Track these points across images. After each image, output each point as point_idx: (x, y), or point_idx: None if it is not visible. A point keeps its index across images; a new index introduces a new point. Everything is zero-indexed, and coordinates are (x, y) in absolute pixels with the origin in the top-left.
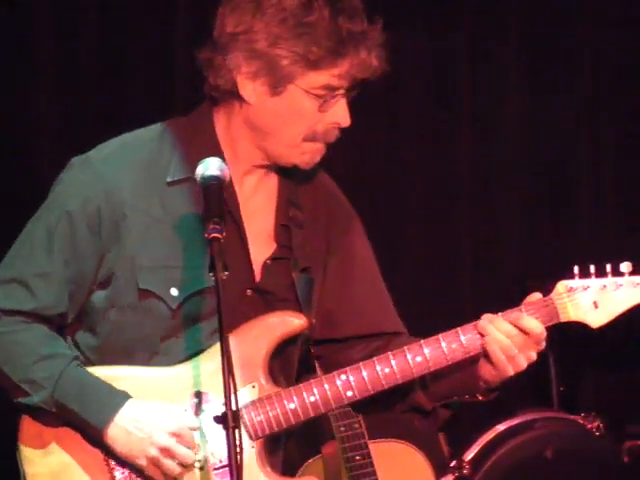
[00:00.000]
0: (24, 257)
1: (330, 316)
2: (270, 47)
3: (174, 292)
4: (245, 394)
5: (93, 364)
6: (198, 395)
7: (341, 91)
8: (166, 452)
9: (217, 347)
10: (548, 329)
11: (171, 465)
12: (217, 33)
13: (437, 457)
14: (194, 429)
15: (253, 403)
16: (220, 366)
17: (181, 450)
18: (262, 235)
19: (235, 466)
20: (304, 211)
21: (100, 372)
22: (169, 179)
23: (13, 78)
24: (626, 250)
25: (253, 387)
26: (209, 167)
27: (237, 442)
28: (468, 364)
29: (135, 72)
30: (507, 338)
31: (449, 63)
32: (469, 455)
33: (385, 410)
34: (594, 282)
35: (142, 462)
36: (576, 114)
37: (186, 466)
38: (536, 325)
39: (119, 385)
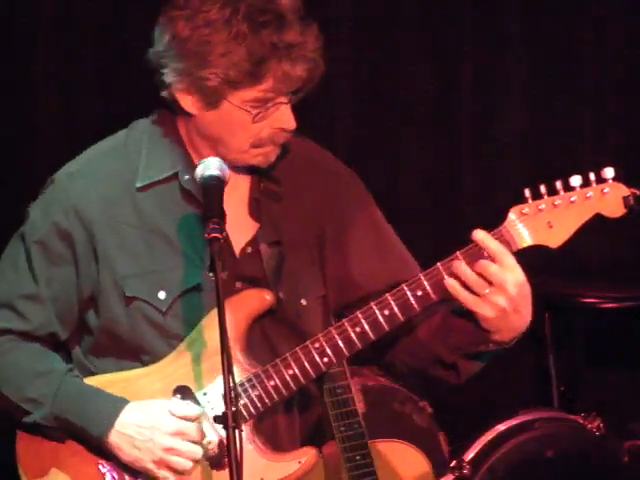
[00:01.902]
0: (9, 281)
1: (343, 283)
2: (195, 68)
3: (162, 295)
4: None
5: (93, 373)
6: (178, 391)
7: (280, 100)
8: (171, 452)
9: (189, 338)
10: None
11: (181, 462)
12: (152, 49)
13: (437, 457)
14: (196, 419)
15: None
16: (194, 357)
17: (187, 447)
18: (241, 223)
19: (235, 465)
20: (283, 184)
21: (90, 381)
22: (138, 184)
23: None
24: (623, 246)
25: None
26: (209, 167)
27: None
28: (467, 314)
29: (134, 73)
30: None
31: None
32: (469, 455)
33: (412, 369)
34: (547, 202)
35: (150, 466)
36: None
37: (196, 460)
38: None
39: (112, 392)
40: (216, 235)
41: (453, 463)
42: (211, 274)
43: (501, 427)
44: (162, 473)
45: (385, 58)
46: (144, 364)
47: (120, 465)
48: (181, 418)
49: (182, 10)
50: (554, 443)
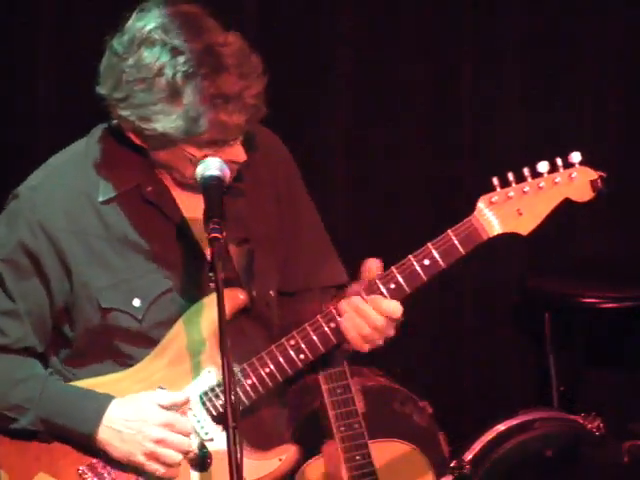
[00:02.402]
0: None
1: (284, 270)
2: (135, 119)
3: (137, 303)
4: (202, 381)
5: (72, 381)
6: None
7: (227, 143)
8: (162, 443)
9: (166, 340)
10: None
11: (170, 454)
12: (97, 85)
13: (437, 457)
14: (184, 404)
15: (212, 389)
16: (172, 358)
17: (176, 438)
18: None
19: (235, 465)
20: (244, 180)
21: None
22: (101, 199)
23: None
24: (625, 245)
25: (209, 372)
26: (209, 167)
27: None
28: None
29: None
30: (371, 328)
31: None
32: (469, 455)
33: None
34: (515, 189)
35: (140, 459)
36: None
37: (186, 452)
38: (395, 309)
39: None
40: (216, 235)
41: (453, 463)
42: (211, 274)
43: (501, 427)
44: (152, 466)
45: (384, 56)
46: (110, 369)
47: (108, 464)
48: (169, 406)
49: (123, 58)
50: (554, 443)
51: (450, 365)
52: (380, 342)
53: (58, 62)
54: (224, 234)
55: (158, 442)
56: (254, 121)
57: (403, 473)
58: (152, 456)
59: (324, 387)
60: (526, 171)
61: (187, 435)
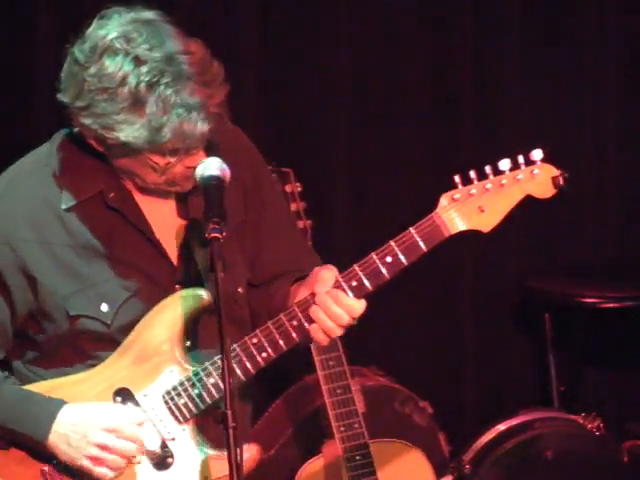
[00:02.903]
0: None
1: (254, 263)
2: (98, 128)
3: (104, 308)
4: (164, 380)
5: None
6: (118, 393)
7: (190, 152)
8: (106, 449)
9: (129, 340)
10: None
11: (115, 460)
12: (58, 94)
13: (437, 457)
14: (136, 423)
15: (174, 388)
16: (135, 358)
17: (120, 444)
18: (171, 226)
19: (235, 465)
20: None
21: (33, 388)
22: (64, 206)
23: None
24: (625, 245)
25: (171, 372)
26: (209, 167)
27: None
28: None
29: None
30: (334, 323)
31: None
32: (469, 455)
33: None
34: (477, 186)
35: (85, 463)
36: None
37: (130, 458)
38: (360, 307)
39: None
40: (216, 235)
41: (453, 463)
42: (211, 274)
43: (501, 427)
44: (97, 470)
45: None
46: (77, 371)
47: (62, 468)
48: (117, 417)
49: (85, 66)
50: (554, 443)
51: (450, 365)
52: (338, 333)
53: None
54: (224, 234)
55: (102, 447)
56: (217, 129)
57: (403, 473)
58: (96, 461)
59: (324, 387)
60: (488, 169)
61: (134, 441)
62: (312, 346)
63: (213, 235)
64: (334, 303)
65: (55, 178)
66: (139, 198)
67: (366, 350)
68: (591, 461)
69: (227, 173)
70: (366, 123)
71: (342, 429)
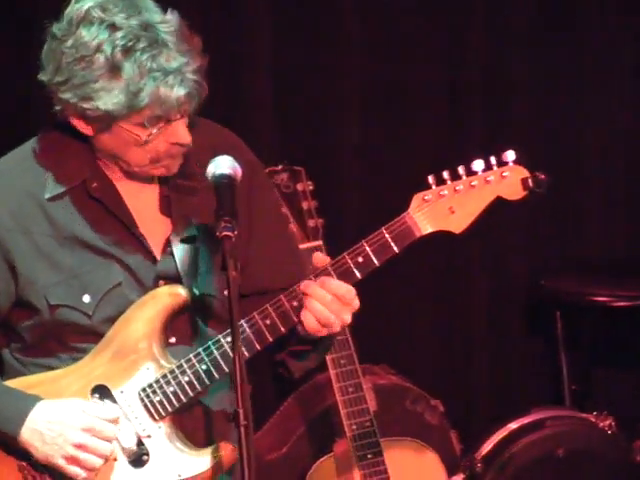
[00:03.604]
0: None
1: (242, 271)
2: (78, 100)
3: (86, 299)
4: (141, 377)
5: (23, 374)
6: (95, 390)
7: (171, 117)
8: (82, 448)
9: (108, 336)
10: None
11: (90, 459)
12: (39, 75)
13: (449, 455)
14: (111, 420)
15: (150, 385)
16: (113, 354)
17: (96, 443)
18: (155, 222)
19: (247, 463)
20: (195, 178)
21: (10, 384)
22: (47, 196)
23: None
24: (637, 243)
25: (148, 369)
26: (220, 166)
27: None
28: None
29: None
30: (322, 305)
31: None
32: (481, 453)
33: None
34: (448, 187)
35: (61, 462)
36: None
37: (106, 457)
38: (347, 290)
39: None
40: (228, 234)
41: (465, 461)
42: (223, 272)
43: (513, 425)
44: (72, 469)
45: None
46: (62, 364)
47: (40, 465)
48: (95, 417)
49: (62, 40)
50: (566, 441)
51: (462, 363)
52: (336, 327)
53: None
54: (235, 232)
55: (78, 447)
56: (196, 98)
57: (415, 471)
58: (72, 460)
59: (335, 385)
60: (461, 169)
61: (109, 440)
62: None
63: (225, 234)
64: (319, 286)
65: (39, 169)
66: (122, 190)
67: (377, 349)
68: (603, 460)
69: (238, 172)
70: (377, 121)
71: (353, 427)
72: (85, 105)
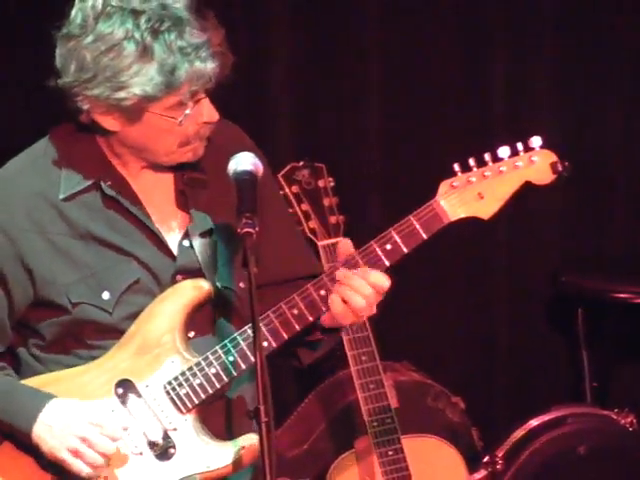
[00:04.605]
0: None
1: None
2: (110, 92)
3: (106, 296)
4: (166, 371)
5: (41, 372)
6: (120, 384)
7: (198, 96)
8: (85, 442)
9: (131, 330)
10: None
11: (92, 455)
12: (60, 80)
13: (470, 452)
14: (122, 427)
15: (175, 378)
16: (137, 349)
17: (100, 440)
18: (171, 217)
19: (268, 459)
20: (207, 172)
21: (32, 381)
22: (61, 196)
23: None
24: None
25: (172, 362)
26: (241, 162)
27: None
28: None
29: None
30: (360, 296)
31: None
32: (502, 450)
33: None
34: (476, 174)
35: (64, 455)
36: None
37: (108, 457)
38: (382, 279)
39: (55, 390)
40: (249, 230)
41: (486, 458)
42: (244, 268)
43: (534, 422)
44: (76, 464)
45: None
46: (80, 361)
47: (48, 465)
48: (104, 414)
49: (81, 37)
50: (587, 438)
51: (483, 361)
52: (365, 317)
53: None
54: (256, 229)
55: (83, 440)
56: (225, 67)
57: (436, 468)
58: (75, 453)
59: (357, 382)
60: (487, 156)
61: (114, 440)
62: (345, 340)
63: (246, 230)
64: (356, 276)
65: (52, 169)
66: (137, 187)
67: (399, 346)
68: (624, 457)
69: (260, 168)
70: (398, 118)
71: (375, 424)
72: (119, 95)
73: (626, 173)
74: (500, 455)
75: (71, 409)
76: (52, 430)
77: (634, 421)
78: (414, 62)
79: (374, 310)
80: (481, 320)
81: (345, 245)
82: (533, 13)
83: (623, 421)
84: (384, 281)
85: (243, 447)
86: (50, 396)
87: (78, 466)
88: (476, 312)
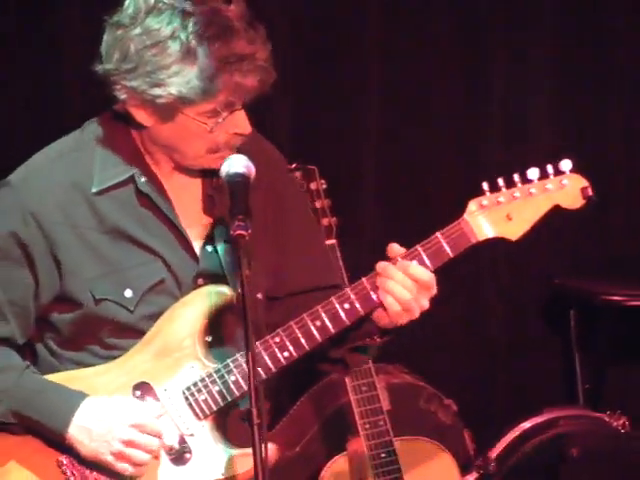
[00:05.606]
0: None
1: (275, 276)
2: (147, 87)
3: (128, 293)
4: (185, 376)
5: (58, 370)
6: (138, 387)
7: (234, 107)
8: (130, 444)
9: (151, 332)
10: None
11: (139, 455)
12: (101, 65)
13: (462, 454)
14: (157, 417)
15: (195, 384)
16: (157, 352)
17: (144, 439)
18: (197, 221)
19: (260, 462)
20: None
21: (51, 378)
22: (94, 190)
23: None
24: None
25: (192, 367)
26: (234, 165)
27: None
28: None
29: None
30: (403, 288)
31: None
32: (494, 452)
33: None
34: (505, 194)
35: (109, 458)
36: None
37: (154, 453)
38: (423, 272)
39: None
40: (241, 232)
41: (478, 461)
42: (237, 271)
43: (526, 425)
44: (121, 465)
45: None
46: (99, 359)
47: (80, 459)
48: (141, 413)
49: (129, 28)
50: (579, 441)
51: (476, 363)
52: (416, 312)
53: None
54: (249, 231)
55: (127, 443)
56: (266, 85)
57: (428, 470)
58: (120, 456)
59: (349, 384)
60: (516, 177)
61: (157, 436)
62: None
63: (238, 232)
64: (398, 270)
65: (85, 162)
66: (168, 187)
67: (391, 348)
68: (616, 459)
69: (252, 170)
70: (392, 120)
71: (367, 426)
72: (155, 92)
73: (621, 175)
74: (492, 457)
75: (107, 410)
76: (91, 434)
77: (626, 423)
78: (414, 62)
79: (426, 305)
80: (474, 322)
81: (395, 250)
82: (533, 13)
83: (615, 423)
84: (423, 273)
85: None
86: (83, 395)
87: (123, 466)
88: (469, 315)
